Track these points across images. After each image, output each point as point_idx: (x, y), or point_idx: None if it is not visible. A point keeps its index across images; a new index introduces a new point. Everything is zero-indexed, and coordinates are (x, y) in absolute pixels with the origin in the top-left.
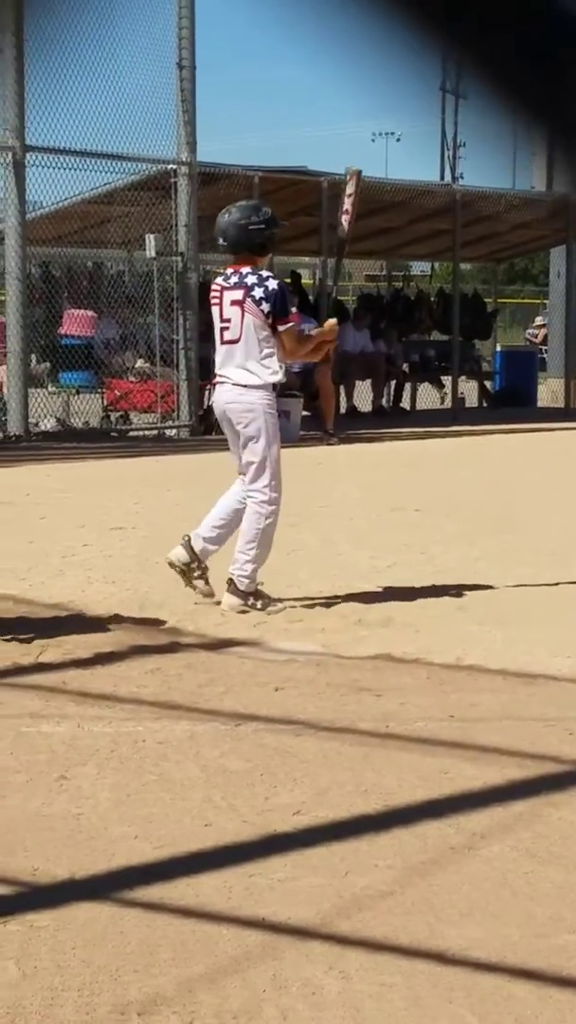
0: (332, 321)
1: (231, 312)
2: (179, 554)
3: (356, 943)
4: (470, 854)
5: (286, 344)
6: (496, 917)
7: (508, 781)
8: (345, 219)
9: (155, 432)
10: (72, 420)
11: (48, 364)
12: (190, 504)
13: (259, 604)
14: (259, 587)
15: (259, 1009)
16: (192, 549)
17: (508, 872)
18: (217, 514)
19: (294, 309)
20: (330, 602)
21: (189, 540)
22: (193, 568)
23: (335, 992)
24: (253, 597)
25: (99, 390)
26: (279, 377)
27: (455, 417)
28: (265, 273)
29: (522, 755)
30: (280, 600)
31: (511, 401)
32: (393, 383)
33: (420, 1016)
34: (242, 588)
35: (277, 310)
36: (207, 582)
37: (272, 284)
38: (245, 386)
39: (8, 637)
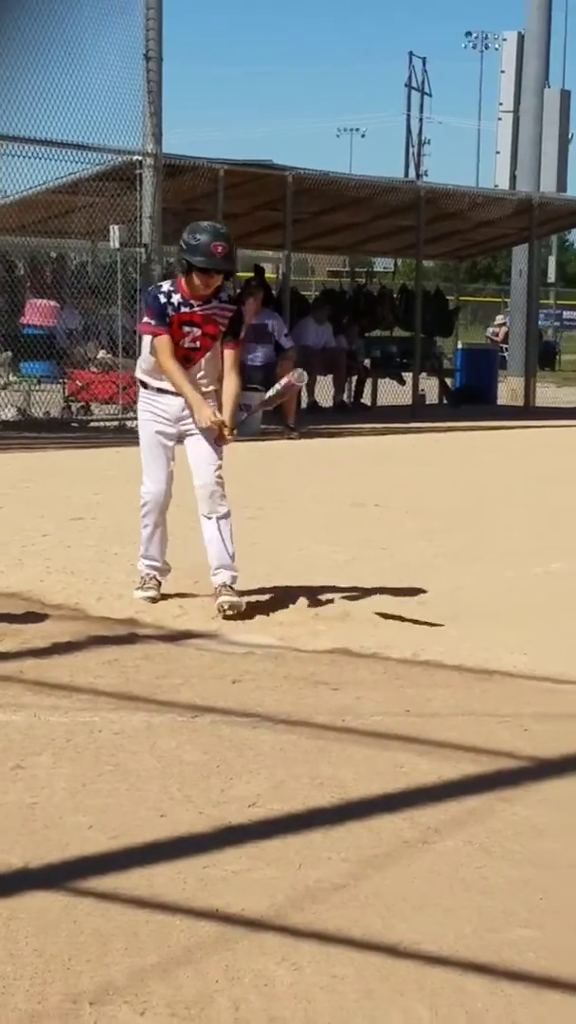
0: (208, 414)
1: None
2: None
3: (309, 935)
4: (424, 848)
5: None
6: (448, 911)
7: (462, 776)
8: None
9: (116, 423)
10: (33, 410)
11: (9, 353)
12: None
13: (141, 591)
14: (152, 580)
15: (211, 1000)
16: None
17: (461, 866)
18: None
19: (148, 318)
20: (288, 596)
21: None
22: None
23: (287, 983)
24: (143, 580)
25: (61, 380)
26: (138, 373)
27: (415, 413)
28: (160, 284)
29: (477, 750)
30: (152, 599)
31: (471, 399)
32: (354, 379)
33: (371, 1008)
34: (141, 575)
35: None
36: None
37: None
38: None
39: None
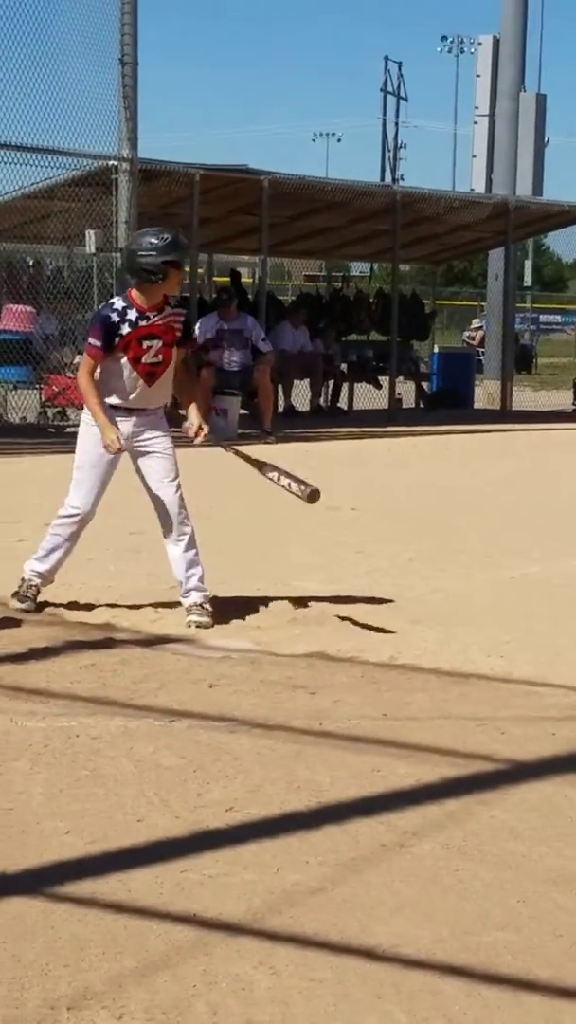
0: (113, 439)
1: None
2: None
3: (286, 939)
4: (401, 851)
5: None
6: (426, 914)
7: (440, 779)
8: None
9: None
10: (9, 415)
11: None
12: (125, 502)
13: (17, 600)
14: (34, 588)
15: (189, 1004)
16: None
17: (439, 869)
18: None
19: (93, 339)
20: (265, 600)
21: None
22: (199, 611)
23: (265, 988)
24: (22, 593)
25: (37, 386)
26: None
27: (392, 417)
28: (112, 301)
29: (454, 754)
30: (30, 609)
31: (448, 402)
32: (331, 383)
33: (349, 1012)
34: (20, 587)
35: None
36: (199, 615)
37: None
38: None
39: None
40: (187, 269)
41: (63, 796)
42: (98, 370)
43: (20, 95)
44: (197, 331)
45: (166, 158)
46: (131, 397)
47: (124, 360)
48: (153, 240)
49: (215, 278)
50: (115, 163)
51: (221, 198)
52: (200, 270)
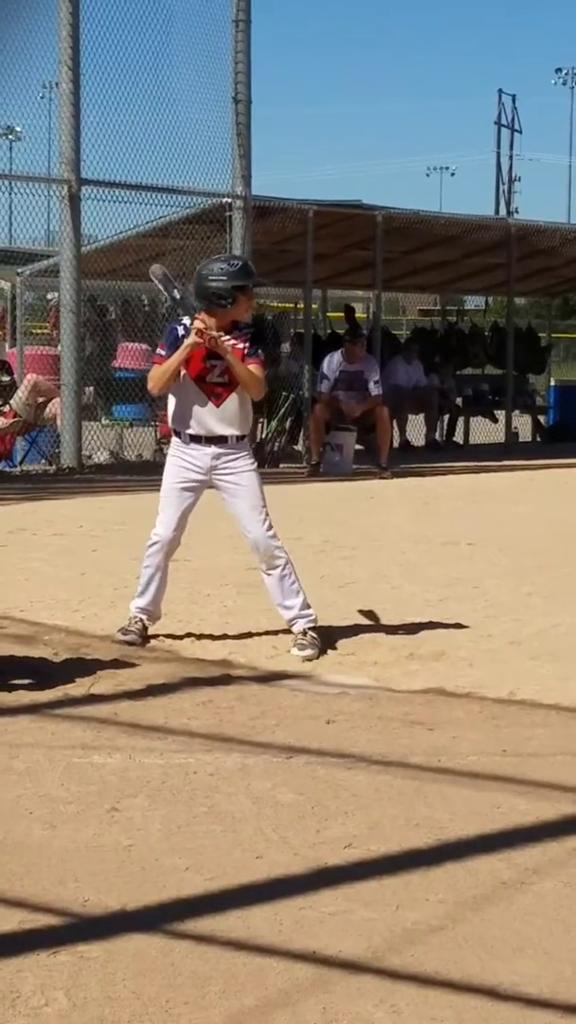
0: (199, 324)
1: None
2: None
3: (407, 977)
4: (522, 889)
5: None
6: (548, 953)
7: (561, 816)
8: None
9: None
10: (125, 453)
11: (91, 388)
12: (241, 538)
13: (121, 633)
14: (139, 623)
15: None
16: (300, 634)
17: (561, 908)
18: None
19: (161, 351)
20: (382, 636)
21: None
22: (303, 643)
23: None
24: (127, 627)
25: (152, 423)
26: (169, 423)
27: (508, 451)
28: (182, 319)
29: (575, 790)
30: (133, 642)
31: (565, 435)
32: (447, 417)
33: None
34: (126, 623)
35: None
36: (302, 648)
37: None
38: None
39: (60, 666)
40: (301, 305)
41: (181, 833)
42: (172, 400)
43: (135, 134)
44: (323, 369)
45: (280, 194)
46: (202, 419)
47: (189, 380)
48: (223, 266)
49: (329, 314)
50: (229, 200)
51: (335, 234)
52: (314, 305)
